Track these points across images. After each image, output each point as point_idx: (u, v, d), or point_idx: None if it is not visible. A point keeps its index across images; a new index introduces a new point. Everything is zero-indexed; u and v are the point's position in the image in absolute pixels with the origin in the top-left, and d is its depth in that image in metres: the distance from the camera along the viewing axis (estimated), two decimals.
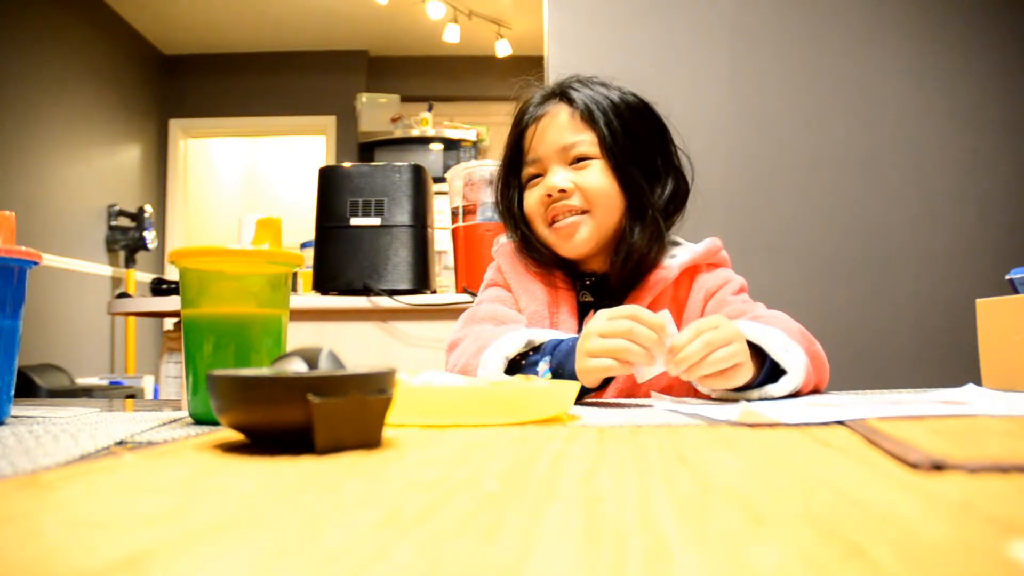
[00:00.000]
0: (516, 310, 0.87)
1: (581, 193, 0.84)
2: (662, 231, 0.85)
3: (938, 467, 0.26)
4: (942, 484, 0.24)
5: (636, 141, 0.85)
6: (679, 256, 0.86)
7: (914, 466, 0.27)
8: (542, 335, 0.73)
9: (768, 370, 0.66)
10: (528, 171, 0.87)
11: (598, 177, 0.84)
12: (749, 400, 0.64)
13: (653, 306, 0.81)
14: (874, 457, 0.30)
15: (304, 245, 1.90)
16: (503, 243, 0.94)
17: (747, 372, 0.62)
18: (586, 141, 0.84)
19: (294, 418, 0.32)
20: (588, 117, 0.85)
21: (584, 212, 0.84)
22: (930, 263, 1.59)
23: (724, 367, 0.60)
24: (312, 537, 0.18)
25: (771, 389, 0.66)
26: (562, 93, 0.87)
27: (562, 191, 0.83)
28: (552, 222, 0.85)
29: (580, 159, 0.84)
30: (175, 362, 2.21)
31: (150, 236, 4.10)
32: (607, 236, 0.85)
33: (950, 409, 0.48)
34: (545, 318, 0.85)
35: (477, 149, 4.39)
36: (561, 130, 0.85)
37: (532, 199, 0.87)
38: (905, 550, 0.16)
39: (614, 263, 0.84)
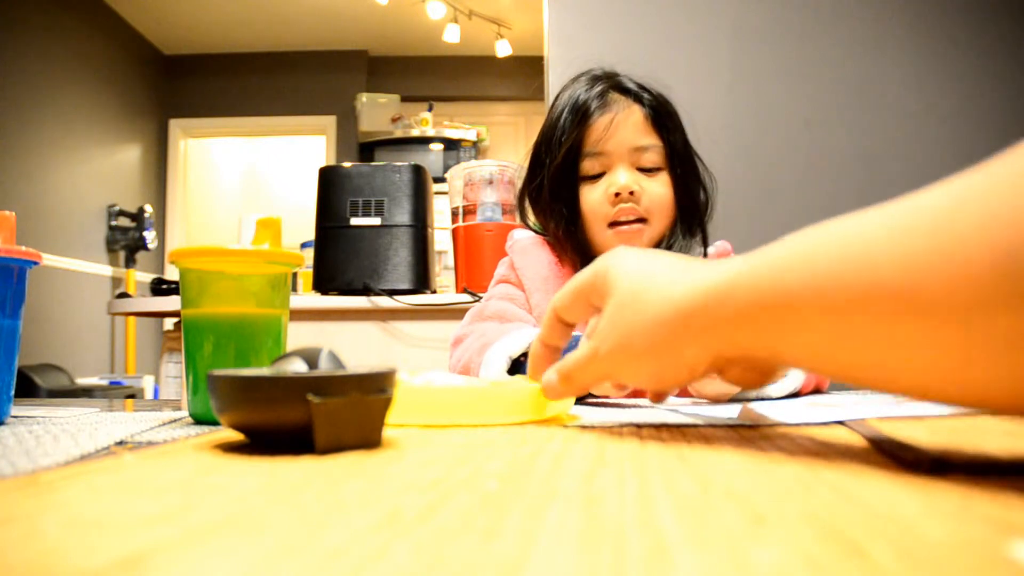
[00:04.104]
0: (526, 309, 0.87)
1: (646, 200, 0.83)
2: (705, 245, 0.86)
3: (938, 467, 0.26)
4: (942, 484, 0.24)
5: (690, 154, 0.86)
6: None
7: (914, 466, 0.27)
8: None
9: None
10: (590, 165, 0.84)
11: (662, 188, 0.84)
12: (747, 400, 0.64)
13: None
14: (874, 457, 0.30)
15: (304, 245, 1.90)
16: (518, 238, 0.93)
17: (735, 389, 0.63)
18: (656, 148, 0.84)
19: (294, 418, 0.32)
20: (659, 124, 0.84)
21: (643, 220, 0.83)
22: None
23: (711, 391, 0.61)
24: (312, 537, 0.18)
25: (770, 390, 0.66)
26: (628, 90, 0.85)
27: (632, 193, 0.82)
28: (612, 224, 0.83)
29: (648, 167, 0.83)
30: (175, 362, 2.21)
31: (150, 236, 4.10)
32: (652, 247, 0.85)
33: (950, 409, 0.48)
34: None
35: (477, 149, 4.40)
36: (636, 131, 0.83)
37: (595, 195, 0.84)
38: (905, 550, 0.16)
39: None
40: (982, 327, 0.22)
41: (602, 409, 0.59)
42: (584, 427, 0.43)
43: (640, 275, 0.37)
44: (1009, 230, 0.22)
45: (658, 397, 0.41)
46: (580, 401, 0.67)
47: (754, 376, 0.37)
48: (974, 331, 0.23)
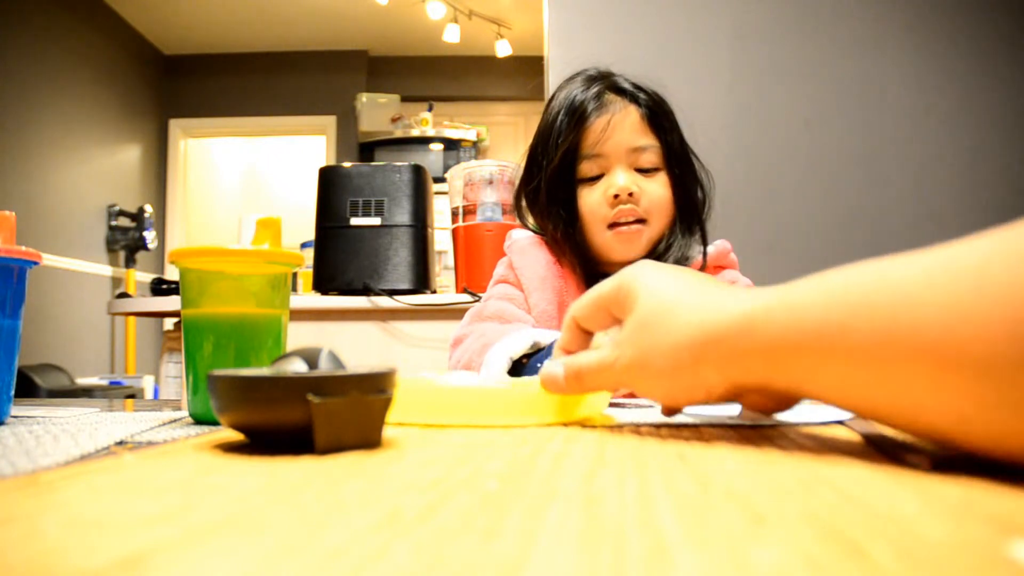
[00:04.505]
0: (525, 309, 0.87)
1: (644, 201, 0.83)
2: (704, 243, 0.86)
3: (938, 467, 0.26)
4: (942, 484, 0.24)
5: (687, 153, 0.86)
6: (691, 259, 0.86)
7: (914, 466, 0.27)
8: (548, 336, 0.73)
9: None
10: (588, 167, 0.84)
11: (660, 188, 0.84)
12: None
13: None
14: (874, 457, 0.30)
15: (304, 245, 1.90)
16: (517, 238, 0.93)
17: None
18: (654, 148, 0.83)
19: (294, 418, 0.32)
20: (656, 124, 0.84)
21: (642, 221, 0.83)
22: None
23: None
24: (312, 537, 0.18)
25: None
26: (625, 91, 0.85)
27: (630, 195, 0.82)
28: (612, 225, 0.83)
29: (646, 167, 0.83)
30: (175, 362, 2.21)
31: (150, 236, 4.10)
32: (652, 247, 0.85)
33: None
34: (554, 317, 0.85)
35: (477, 149, 4.40)
36: (633, 132, 0.83)
37: (594, 197, 0.84)
38: (905, 550, 0.16)
39: None
40: (1017, 384, 0.23)
41: (635, 411, 0.58)
42: (585, 426, 0.43)
43: (665, 295, 0.37)
44: None
45: (670, 412, 0.41)
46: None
47: (773, 404, 0.37)
48: (1010, 388, 0.23)
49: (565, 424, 0.44)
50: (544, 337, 0.72)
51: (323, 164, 1.73)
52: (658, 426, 0.43)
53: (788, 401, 0.37)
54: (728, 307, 0.33)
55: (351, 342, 1.60)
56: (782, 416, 0.45)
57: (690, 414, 0.51)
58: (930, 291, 0.25)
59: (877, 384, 0.27)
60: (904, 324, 0.25)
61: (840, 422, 0.42)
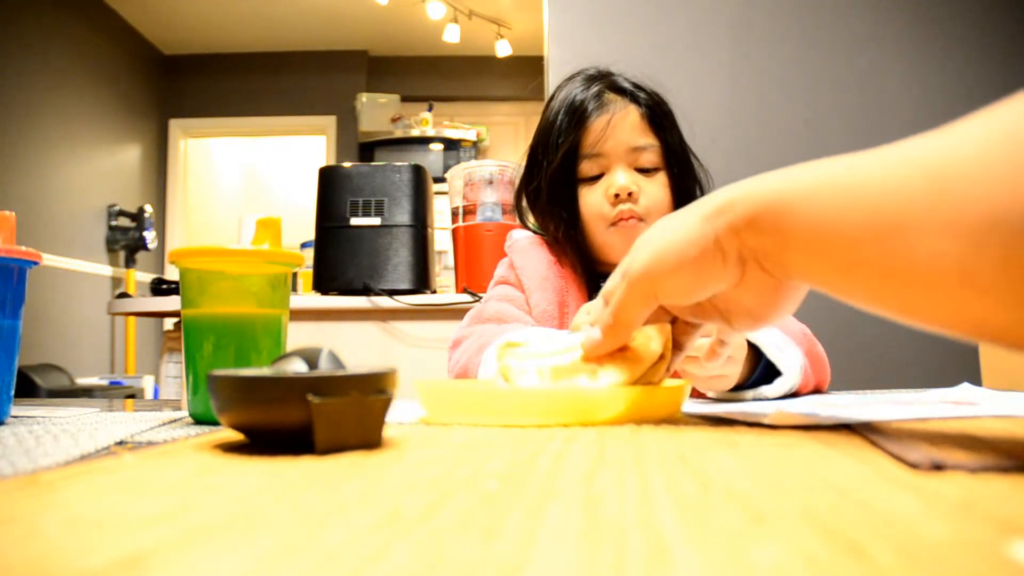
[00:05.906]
0: (525, 309, 0.87)
1: (644, 200, 0.82)
2: None
3: (938, 467, 0.26)
4: (942, 484, 0.24)
5: (686, 153, 0.86)
6: None
7: (914, 466, 0.27)
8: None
9: (763, 369, 0.66)
10: (588, 166, 0.84)
11: (660, 189, 0.83)
12: (743, 400, 0.64)
13: None
14: (874, 457, 0.30)
15: (304, 245, 1.90)
16: (517, 238, 0.93)
17: (726, 384, 0.62)
18: (654, 148, 0.83)
19: (294, 418, 0.32)
20: (655, 123, 0.84)
21: (640, 220, 0.83)
22: None
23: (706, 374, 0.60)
24: (312, 537, 0.18)
25: (765, 390, 0.65)
26: (625, 90, 0.85)
27: (630, 194, 0.82)
28: (613, 224, 0.83)
29: (646, 167, 0.83)
30: (175, 362, 2.21)
31: (150, 236, 4.10)
32: None
33: (953, 410, 0.47)
34: (555, 318, 0.85)
35: (477, 149, 4.40)
36: (633, 131, 0.83)
37: (594, 197, 0.83)
38: (905, 550, 0.16)
39: None
40: (966, 266, 0.25)
41: (708, 405, 0.58)
42: (583, 427, 0.43)
43: (660, 222, 0.43)
44: (1004, 188, 0.24)
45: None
46: None
47: (770, 291, 0.40)
48: (954, 265, 0.26)
49: (639, 423, 0.44)
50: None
51: (323, 164, 1.73)
52: (658, 426, 0.43)
53: (783, 291, 0.40)
54: (716, 194, 0.39)
55: (351, 342, 1.60)
56: (782, 416, 0.45)
57: (690, 413, 0.51)
58: (893, 176, 0.29)
59: (837, 257, 0.31)
60: (857, 203, 0.30)
61: (840, 422, 0.42)
